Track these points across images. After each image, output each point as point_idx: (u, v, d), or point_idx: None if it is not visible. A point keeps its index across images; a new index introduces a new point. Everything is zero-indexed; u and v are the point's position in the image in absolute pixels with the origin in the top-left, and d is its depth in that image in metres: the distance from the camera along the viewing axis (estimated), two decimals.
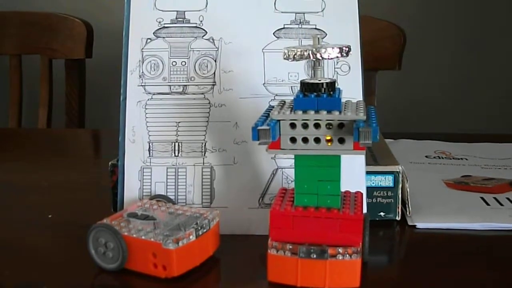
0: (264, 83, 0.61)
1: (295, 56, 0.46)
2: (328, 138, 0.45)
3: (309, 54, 0.46)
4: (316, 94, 0.45)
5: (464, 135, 0.97)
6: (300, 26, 0.62)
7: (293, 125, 0.45)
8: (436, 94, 1.89)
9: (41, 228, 0.61)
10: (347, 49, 0.47)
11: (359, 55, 0.62)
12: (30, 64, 1.43)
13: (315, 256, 0.46)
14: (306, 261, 0.46)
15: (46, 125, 1.36)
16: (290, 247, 0.46)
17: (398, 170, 0.61)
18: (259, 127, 0.44)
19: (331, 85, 0.46)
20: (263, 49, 0.62)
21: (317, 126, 0.45)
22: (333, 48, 0.46)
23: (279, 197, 0.50)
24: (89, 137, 1.16)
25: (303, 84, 0.46)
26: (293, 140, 0.46)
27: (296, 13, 0.62)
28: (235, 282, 0.50)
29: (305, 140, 0.45)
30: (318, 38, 0.47)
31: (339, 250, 0.46)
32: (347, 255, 0.46)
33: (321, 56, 0.46)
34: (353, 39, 0.61)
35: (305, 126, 0.45)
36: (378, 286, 0.50)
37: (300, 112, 0.45)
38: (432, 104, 1.88)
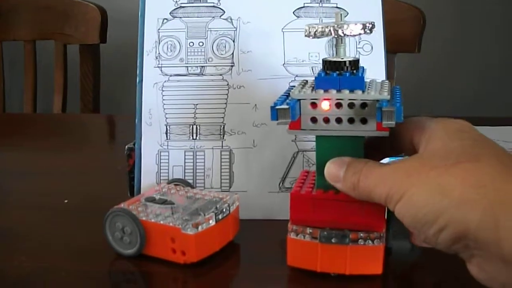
0: (284, 63, 0.59)
1: (316, 33, 0.44)
2: (350, 118, 0.43)
3: (330, 30, 0.43)
4: (339, 72, 0.43)
5: (485, 119, 0.94)
6: (320, 4, 0.60)
7: (314, 105, 0.43)
8: (455, 77, 1.86)
9: (58, 213, 0.60)
10: (370, 25, 0.44)
11: (382, 34, 0.60)
12: (45, 49, 1.42)
13: (335, 240, 0.44)
14: (326, 246, 0.44)
15: (61, 110, 1.35)
16: (310, 231, 0.45)
17: None
18: (278, 106, 0.42)
19: (354, 63, 0.44)
20: (282, 28, 0.60)
21: (339, 105, 0.43)
22: (356, 24, 0.43)
23: (300, 179, 0.48)
24: (104, 122, 1.15)
25: (325, 62, 0.44)
26: (314, 120, 0.44)
27: None
28: (255, 267, 0.49)
29: (326, 120, 0.43)
30: (341, 15, 0.45)
31: (361, 234, 0.44)
32: (369, 240, 0.44)
33: (343, 32, 0.43)
34: (376, 18, 0.59)
35: (326, 105, 0.43)
36: (402, 274, 0.49)
37: (321, 91, 0.43)
38: (450, 87, 1.86)
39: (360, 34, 0.44)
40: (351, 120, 0.43)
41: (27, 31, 1.37)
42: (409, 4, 1.28)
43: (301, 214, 0.45)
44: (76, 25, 1.34)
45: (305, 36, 0.45)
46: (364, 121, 0.43)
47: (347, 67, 0.43)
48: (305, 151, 0.58)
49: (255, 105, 0.59)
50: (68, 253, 0.51)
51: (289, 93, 0.45)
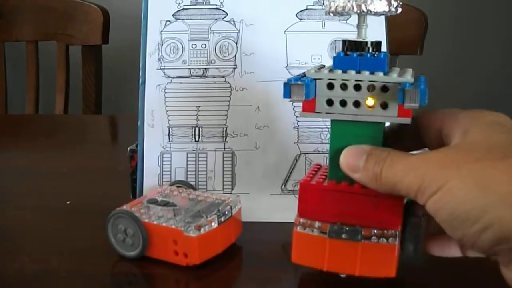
0: (287, 66, 0.59)
1: (338, 8, 0.40)
2: (370, 102, 0.40)
3: (353, 5, 0.40)
4: (359, 53, 0.40)
5: None
6: (323, 7, 0.60)
7: (330, 86, 0.40)
8: (457, 80, 1.86)
9: (60, 214, 0.60)
10: (396, 3, 0.40)
11: (384, 36, 0.60)
12: (47, 50, 1.42)
13: (346, 236, 0.40)
14: (336, 241, 0.41)
15: (63, 111, 1.35)
16: (319, 225, 0.41)
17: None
18: (292, 82, 0.39)
19: (377, 44, 0.41)
20: (285, 31, 0.60)
21: (357, 87, 0.39)
22: (380, 0, 0.40)
23: (312, 170, 0.45)
24: (106, 123, 1.15)
25: (345, 42, 0.41)
26: (329, 102, 0.40)
27: None
28: (258, 270, 0.49)
29: (343, 103, 0.40)
30: None
31: (374, 231, 0.40)
32: (383, 238, 0.40)
33: (366, 8, 0.39)
34: (379, 20, 0.59)
35: (344, 87, 0.40)
36: (418, 279, 0.46)
37: (339, 72, 0.40)
38: (453, 89, 1.85)
39: (384, 12, 0.40)
40: (370, 106, 0.40)
41: (30, 32, 1.38)
42: (411, 7, 1.28)
43: (310, 206, 0.42)
44: (78, 26, 1.34)
45: (326, 13, 0.42)
46: (384, 105, 0.39)
47: (368, 48, 0.40)
48: (308, 153, 0.58)
49: (258, 107, 0.58)
50: (70, 255, 0.51)
51: (304, 74, 0.42)
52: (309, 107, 0.41)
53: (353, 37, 0.42)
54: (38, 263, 0.49)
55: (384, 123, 0.41)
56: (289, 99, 0.39)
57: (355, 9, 0.40)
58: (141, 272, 0.48)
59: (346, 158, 0.40)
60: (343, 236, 0.41)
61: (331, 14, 0.41)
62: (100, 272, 0.48)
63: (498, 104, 1.79)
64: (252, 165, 0.58)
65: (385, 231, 0.40)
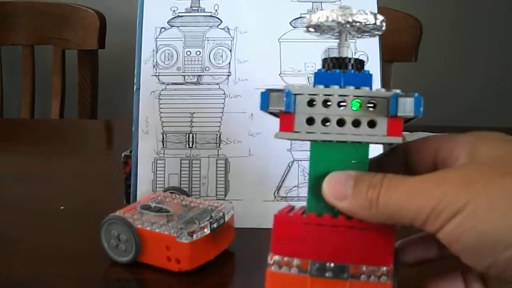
0: (280, 73, 0.60)
1: (319, 20, 0.36)
2: (356, 120, 0.35)
3: (337, 16, 0.35)
4: (342, 70, 0.36)
5: (482, 129, 0.95)
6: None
7: (311, 102, 0.35)
8: (452, 87, 1.86)
9: (53, 220, 0.60)
10: (381, 17, 0.36)
11: (377, 44, 0.60)
12: (43, 54, 1.42)
13: (331, 274, 0.35)
14: (319, 281, 0.35)
15: (58, 115, 1.35)
16: (298, 262, 0.36)
17: None
18: (271, 88, 0.35)
19: (360, 62, 0.37)
20: (279, 39, 0.60)
21: (341, 104, 0.35)
22: (367, 13, 0.36)
23: (288, 206, 0.39)
24: (102, 128, 1.15)
25: (326, 60, 0.37)
26: (310, 121, 0.36)
27: (313, 2, 0.61)
28: (250, 276, 0.49)
29: (325, 121, 0.36)
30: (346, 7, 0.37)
31: (363, 269, 0.35)
32: (374, 276, 0.35)
33: (351, 19, 0.35)
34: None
35: (326, 104, 0.35)
36: None
37: (321, 86, 0.35)
38: (448, 96, 1.86)
39: (370, 25, 0.36)
40: (356, 123, 0.35)
41: (26, 36, 1.38)
42: (406, 14, 1.29)
43: (287, 243, 0.36)
44: (74, 30, 1.34)
45: (305, 29, 0.38)
46: (372, 124, 0.35)
47: (352, 65, 0.36)
48: (301, 160, 0.58)
49: (251, 114, 0.59)
50: (63, 260, 0.51)
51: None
52: (286, 126, 0.36)
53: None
54: (31, 268, 0.49)
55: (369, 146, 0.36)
56: (266, 110, 0.35)
57: (340, 19, 0.35)
58: (134, 278, 0.49)
59: (331, 185, 0.35)
60: (327, 274, 0.35)
61: (312, 30, 0.38)
62: (93, 277, 0.48)
63: (494, 112, 1.79)
64: (245, 172, 0.58)
65: (376, 268, 0.35)
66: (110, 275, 0.49)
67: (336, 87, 0.35)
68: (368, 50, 0.60)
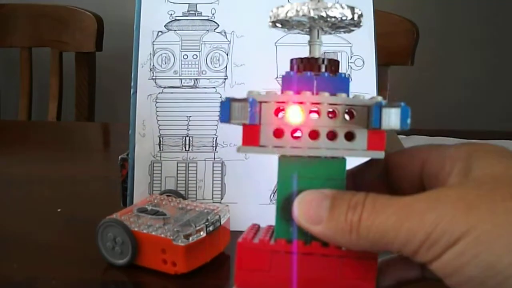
0: (277, 77, 0.60)
1: (287, 14, 0.31)
2: (331, 132, 0.30)
3: (308, 10, 0.31)
4: (314, 73, 0.31)
5: (478, 132, 0.95)
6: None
7: (279, 111, 0.31)
8: (448, 90, 1.87)
9: (50, 222, 0.60)
10: (360, 12, 0.32)
11: (373, 49, 0.60)
12: (40, 57, 1.43)
13: None
14: None
15: (56, 118, 1.35)
16: None
17: None
18: (233, 98, 0.30)
19: (334, 63, 0.32)
20: (275, 42, 0.61)
21: (314, 113, 0.31)
22: (343, 7, 0.31)
23: (250, 229, 0.35)
24: (99, 131, 1.16)
25: (295, 60, 0.32)
26: (278, 133, 0.31)
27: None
28: None
29: (295, 133, 0.31)
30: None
31: None
32: None
33: (325, 13, 0.30)
34: (368, 33, 0.60)
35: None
36: None
37: (290, 93, 0.30)
38: (444, 100, 1.87)
39: (347, 20, 0.32)
40: (331, 135, 0.31)
41: (24, 38, 1.38)
42: (402, 17, 1.29)
43: (253, 274, 0.32)
44: (72, 33, 1.34)
45: (271, 24, 0.34)
46: (350, 136, 0.30)
47: (326, 66, 0.31)
48: None
49: None
50: (60, 262, 0.51)
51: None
52: (251, 139, 0.31)
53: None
54: (27, 270, 0.50)
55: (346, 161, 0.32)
56: (228, 122, 0.30)
57: (312, 14, 0.31)
58: (130, 280, 0.49)
59: (303, 206, 0.30)
60: None
61: (279, 26, 0.33)
62: (89, 280, 0.49)
63: (491, 115, 1.80)
64: (242, 175, 0.59)
65: None
66: (106, 277, 0.49)
67: (308, 93, 0.30)
68: (364, 54, 0.61)
